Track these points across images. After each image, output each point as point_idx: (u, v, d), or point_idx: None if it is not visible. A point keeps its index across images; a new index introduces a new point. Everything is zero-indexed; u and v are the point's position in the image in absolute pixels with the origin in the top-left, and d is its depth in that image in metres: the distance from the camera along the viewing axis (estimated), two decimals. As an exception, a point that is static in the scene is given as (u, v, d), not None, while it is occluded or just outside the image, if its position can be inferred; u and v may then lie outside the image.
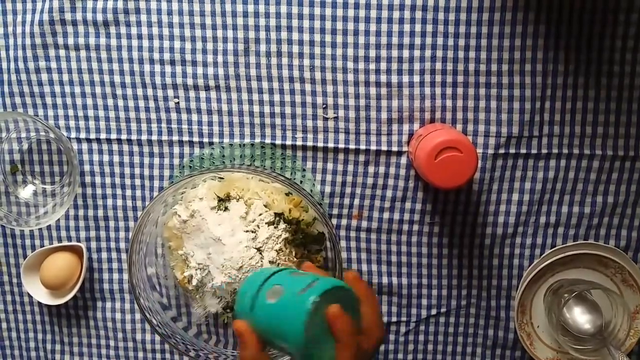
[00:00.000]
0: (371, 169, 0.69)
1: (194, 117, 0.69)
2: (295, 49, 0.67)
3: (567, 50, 0.65)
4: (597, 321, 0.66)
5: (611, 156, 0.67)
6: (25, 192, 0.72)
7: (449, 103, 0.67)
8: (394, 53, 0.66)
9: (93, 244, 0.74)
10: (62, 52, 0.69)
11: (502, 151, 0.67)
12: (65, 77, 0.70)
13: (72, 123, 0.71)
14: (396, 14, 0.65)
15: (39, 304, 0.76)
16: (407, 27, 0.65)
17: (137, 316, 0.75)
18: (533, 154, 0.67)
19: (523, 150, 0.67)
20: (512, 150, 0.67)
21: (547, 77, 0.65)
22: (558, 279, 0.69)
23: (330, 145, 0.69)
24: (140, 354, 0.76)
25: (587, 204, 0.69)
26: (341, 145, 0.69)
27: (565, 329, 0.67)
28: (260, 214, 0.65)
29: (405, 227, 0.70)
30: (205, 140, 0.70)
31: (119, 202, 0.72)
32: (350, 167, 0.69)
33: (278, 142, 0.69)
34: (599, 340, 0.66)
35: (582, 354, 0.66)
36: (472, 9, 0.64)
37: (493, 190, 0.69)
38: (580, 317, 0.66)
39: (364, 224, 0.71)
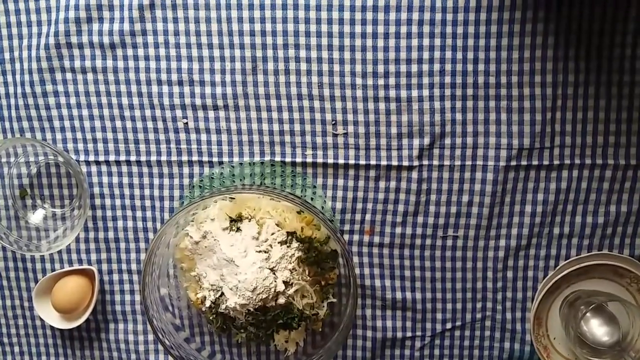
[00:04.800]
0: (382, 184, 0.69)
1: (203, 137, 0.69)
2: (303, 66, 0.66)
3: (576, 60, 0.64)
4: (615, 333, 0.66)
5: (623, 165, 0.66)
6: (36, 217, 0.72)
7: (458, 116, 0.67)
8: (403, 68, 0.66)
9: (104, 266, 0.73)
10: (69, 76, 0.69)
11: (513, 163, 0.67)
12: (73, 100, 0.69)
13: (80, 146, 0.71)
14: (404, 29, 0.65)
15: (52, 328, 0.75)
16: (415, 42, 0.65)
17: (150, 337, 0.75)
18: (545, 165, 0.67)
19: (535, 162, 0.67)
20: (523, 162, 0.67)
21: (557, 87, 0.65)
22: (573, 290, 0.68)
23: (341, 161, 0.69)
24: (154, 375, 0.76)
25: (600, 213, 0.68)
26: (351, 161, 0.68)
27: (583, 341, 0.66)
28: (273, 234, 0.65)
29: (418, 241, 0.70)
30: (215, 159, 0.70)
31: (130, 224, 0.72)
32: (361, 183, 0.69)
33: (288, 159, 0.69)
34: (617, 352, 0.65)
35: (600, 366, 0.66)
36: (479, 22, 0.64)
37: (505, 202, 0.68)
38: (597, 329, 0.66)
39: (376, 239, 0.70)
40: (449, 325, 0.72)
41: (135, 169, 0.71)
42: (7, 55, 0.70)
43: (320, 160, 0.69)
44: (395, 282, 0.71)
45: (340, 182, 0.69)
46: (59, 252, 0.73)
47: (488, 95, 0.66)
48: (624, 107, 0.65)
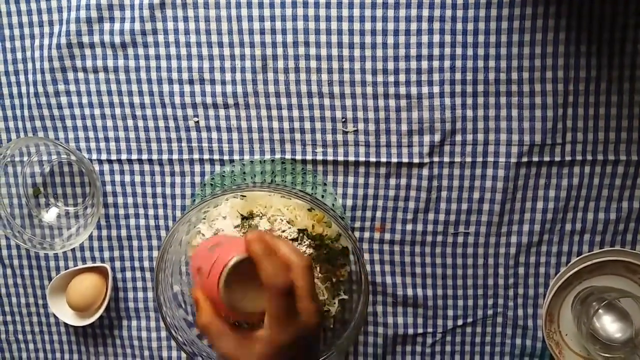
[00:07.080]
0: (392, 181, 0.69)
1: (214, 135, 0.70)
2: (313, 64, 0.66)
3: (588, 56, 0.64)
4: (628, 329, 0.65)
5: (635, 161, 0.66)
6: (49, 215, 0.73)
7: (469, 113, 0.66)
8: (413, 64, 0.65)
9: (117, 264, 0.74)
10: (80, 75, 0.69)
11: (525, 159, 0.67)
12: (85, 99, 0.70)
13: (93, 145, 0.71)
14: (414, 26, 0.64)
15: (65, 325, 0.76)
16: (425, 39, 0.65)
17: (163, 334, 0.76)
18: (556, 162, 0.67)
19: (546, 158, 0.67)
20: (535, 159, 0.67)
21: (568, 83, 0.65)
22: (585, 287, 0.68)
23: (351, 158, 0.69)
24: (167, 372, 0.76)
25: (612, 209, 0.68)
26: (362, 159, 0.69)
27: (595, 337, 0.66)
28: (284, 231, 0.65)
29: (429, 238, 0.70)
30: (226, 157, 0.70)
31: (142, 222, 0.73)
32: (372, 180, 0.69)
33: (298, 157, 0.69)
34: (630, 348, 0.65)
35: (612, 362, 0.65)
36: (490, 18, 0.64)
37: (517, 199, 0.68)
38: (610, 325, 0.66)
39: (387, 236, 0.71)
40: (460, 322, 0.72)
41: (147, 167, 0.71)
42: (19, 55, 0.70)
43: (330, 157, 0.69)
44: (406, 278, 0.71)
45: (351, 179, 0.69)
46: (73, 250, 0.74)
47: (499, 92, 0.66)
48: (636, 103, 0.65)
